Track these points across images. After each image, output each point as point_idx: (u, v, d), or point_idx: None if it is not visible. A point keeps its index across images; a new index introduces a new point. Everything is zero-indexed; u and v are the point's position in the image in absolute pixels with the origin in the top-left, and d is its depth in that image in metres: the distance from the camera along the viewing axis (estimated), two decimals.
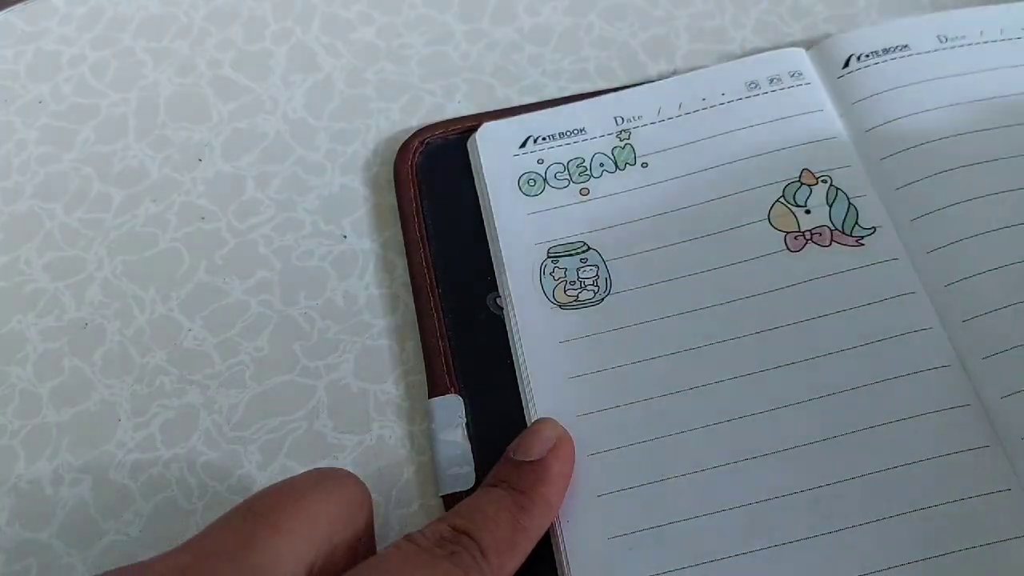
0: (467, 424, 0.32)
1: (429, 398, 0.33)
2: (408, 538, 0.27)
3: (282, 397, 0.34)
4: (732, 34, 0.41)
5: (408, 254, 0.36)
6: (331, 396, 0.34)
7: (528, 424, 0.31)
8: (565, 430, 0.30)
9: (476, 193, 0.37)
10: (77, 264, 0.37)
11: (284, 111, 0.40)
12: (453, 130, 0.38)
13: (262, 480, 0.32)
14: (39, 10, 0.43)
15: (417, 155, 0.38)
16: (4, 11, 0.43)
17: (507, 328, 0.34)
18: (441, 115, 0.39)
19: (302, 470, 0.32)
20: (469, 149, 0.38)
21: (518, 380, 0.33)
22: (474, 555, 0.26)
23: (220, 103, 0.40)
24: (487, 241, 0.36)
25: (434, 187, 0.37)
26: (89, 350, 0.35)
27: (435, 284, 0.35)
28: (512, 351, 0.33)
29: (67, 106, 0.41)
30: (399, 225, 0.37)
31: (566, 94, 0.39)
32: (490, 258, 0.35)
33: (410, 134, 0.38)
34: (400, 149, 0.38)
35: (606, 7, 0.42)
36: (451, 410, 0.32)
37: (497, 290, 0.35)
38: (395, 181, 0.37)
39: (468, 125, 0.38)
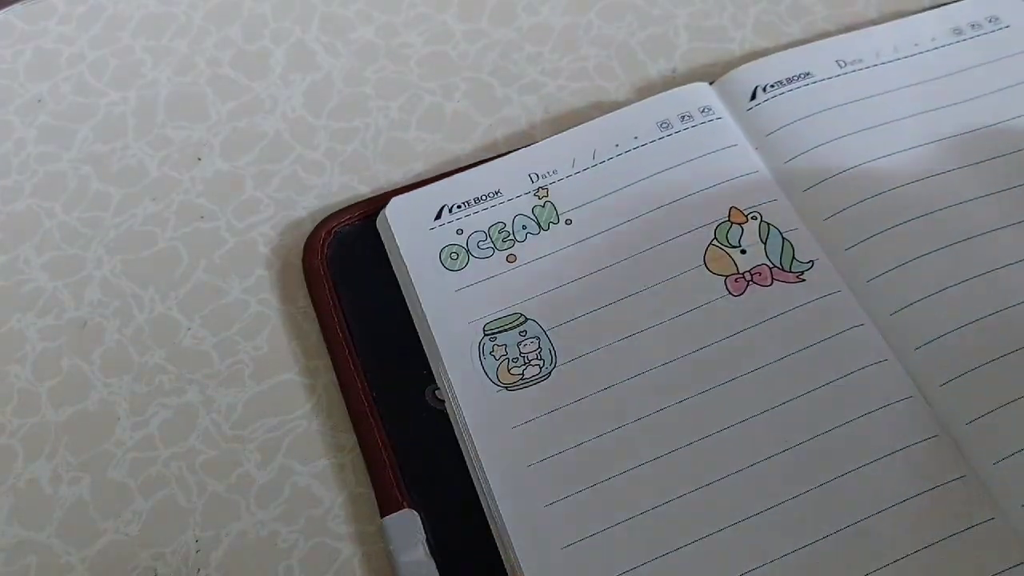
0: (427, 540, 0.30)
1: (381, 517, 0.30)
2: None
3: (281, 396, 0.34)
4: (731, 33, 0.41)
5: (333, 358, 0.33)
6: (330, 396, 0.34)
7: (493, 524, 0.29)
8: None
9: (396, 278, 0.34)
10: (76, 263, 0.37)
11: (283, 110, 0.40)
12: (360, 213, 0.36)
13: (261, 479, 0.32)
14: (38, 9, 0.43)
15: (326, 248, 0.35)
16: (3, 11, 0.43)
17: (452, 422, 0.31)
18: (440, 115, 0.39)
19: (301, 469, 0.32)
20: (380, 229, 0.35)
21: (473, 478, 0.30)
22: None
23: (219, 102, 0.40)
24: (416, 329, 0.33)
25: (350, 280, 0.34)
26: (88, 349, 0.35)
27: (367, 387, 0.32)
28: (462, 446, 0.31)
29: (66, 105, 0.41)
30: None
31: (565, 93, 0.39)
32: (422, 348, 0.33)
33: (316, 224, 0.36)
34: (306, 245, 0.35)
35: (605, 6, 0.42)
36: (408, 528, 0.30)
37: (435, 382, 0.32)
38: (306, 280, 0.35)
39: (376, 206, 0.36)
